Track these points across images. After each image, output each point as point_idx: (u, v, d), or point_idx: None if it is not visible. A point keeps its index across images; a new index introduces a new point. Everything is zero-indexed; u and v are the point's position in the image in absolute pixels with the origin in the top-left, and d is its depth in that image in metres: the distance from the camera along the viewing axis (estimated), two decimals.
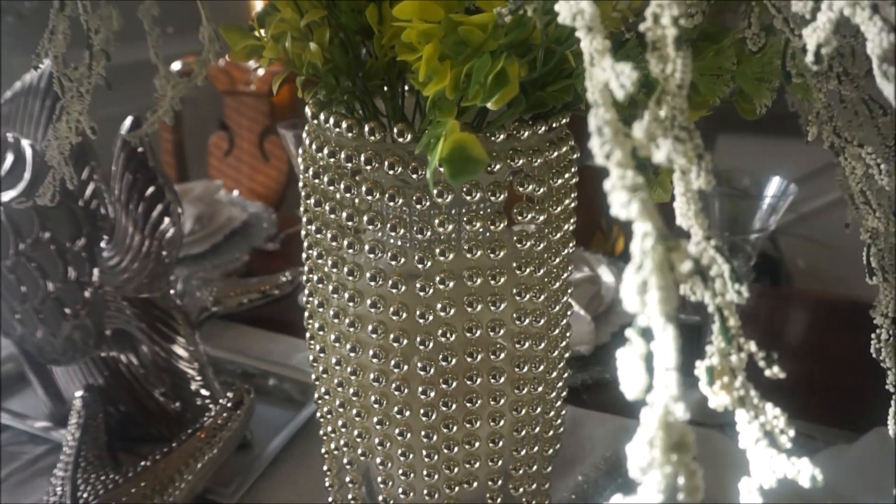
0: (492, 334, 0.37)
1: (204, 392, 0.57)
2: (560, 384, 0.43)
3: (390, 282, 0.35)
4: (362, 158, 0.34)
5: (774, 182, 0.58)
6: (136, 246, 0.52)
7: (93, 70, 0.31)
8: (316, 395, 0.44)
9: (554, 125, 0.35)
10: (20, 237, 0.54)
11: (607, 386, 0.66)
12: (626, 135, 0.16)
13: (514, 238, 0.36)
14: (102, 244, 0.53)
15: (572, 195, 0.39)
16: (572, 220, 0.40)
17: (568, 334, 0.44)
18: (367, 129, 0.33)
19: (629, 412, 0.62)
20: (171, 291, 0.60)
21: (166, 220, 0.51)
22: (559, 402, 0.44)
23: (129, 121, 0.49)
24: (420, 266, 0.35)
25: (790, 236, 1.45)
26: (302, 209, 0.40)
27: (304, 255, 0.41)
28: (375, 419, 0.39)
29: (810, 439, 0.59)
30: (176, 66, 1.09)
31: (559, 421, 0.45)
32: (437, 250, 0.34)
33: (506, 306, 0.36)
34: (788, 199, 0.57)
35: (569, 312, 0.43)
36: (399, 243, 0.36)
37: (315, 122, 0.37)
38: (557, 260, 0.39)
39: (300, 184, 0.40)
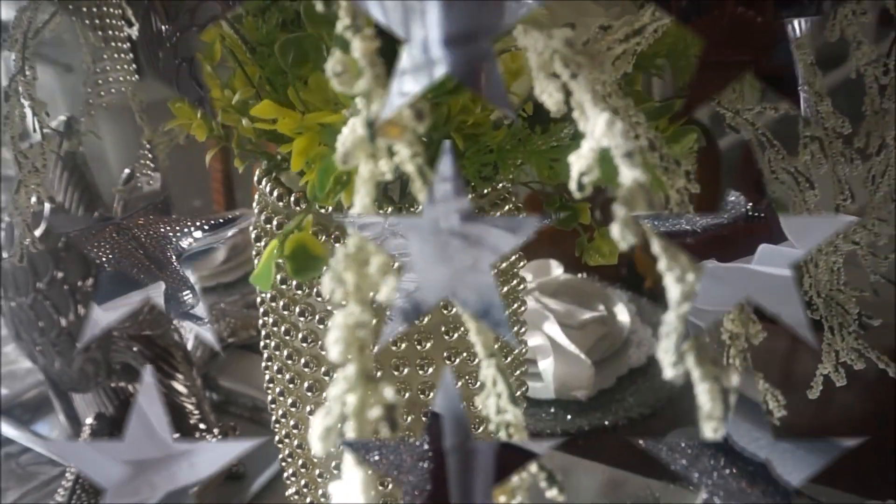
0: (422, 397, 0.37)
1: (201, 426, 0.60)
2: None
3: (319, 343, 0.37)
4: None
5: None
6: None
7: (45, 148, 0.34)
8: (276, 439, 0.45)
9: (499, 185, 0.36)
10: (37, 277, 0.58)
11: (605, 434, 0.65)
12: (364, 264, 0.17)
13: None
14: None
15: (515, 256, 0.39)
16: (515, 283, 0.40)
17: (524, 389, 0.44)
18: (292, 198, 0.35)
19: (624, 464, 0.60)
20: (180, 328, 0.63)
21: None
22: None
23: (126, 173, 0.53)
24: None
25: None
26: None
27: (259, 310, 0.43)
28: (317, 472, 0.40)
29: None
30: None
31: None
32: None
33: (434, 370, 0.37)
34: None
35: (521, 370, 0.43)
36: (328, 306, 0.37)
37: (260, 186, 0.39)
38: None
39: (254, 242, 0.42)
